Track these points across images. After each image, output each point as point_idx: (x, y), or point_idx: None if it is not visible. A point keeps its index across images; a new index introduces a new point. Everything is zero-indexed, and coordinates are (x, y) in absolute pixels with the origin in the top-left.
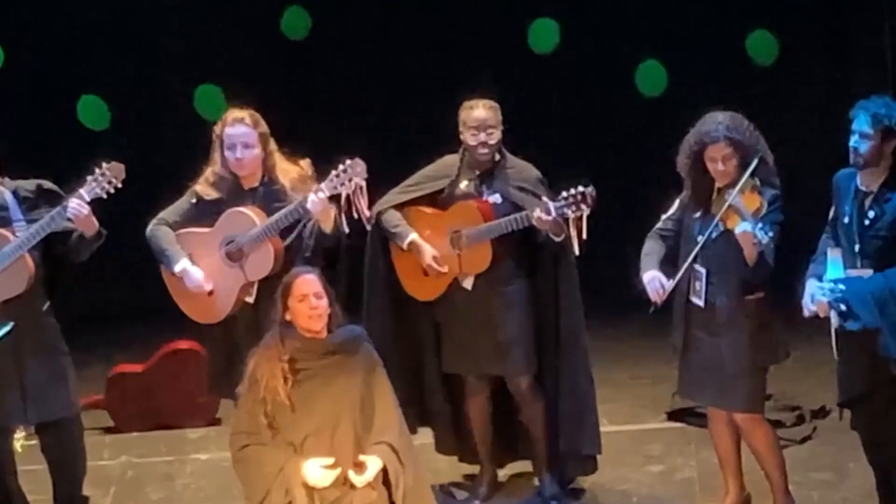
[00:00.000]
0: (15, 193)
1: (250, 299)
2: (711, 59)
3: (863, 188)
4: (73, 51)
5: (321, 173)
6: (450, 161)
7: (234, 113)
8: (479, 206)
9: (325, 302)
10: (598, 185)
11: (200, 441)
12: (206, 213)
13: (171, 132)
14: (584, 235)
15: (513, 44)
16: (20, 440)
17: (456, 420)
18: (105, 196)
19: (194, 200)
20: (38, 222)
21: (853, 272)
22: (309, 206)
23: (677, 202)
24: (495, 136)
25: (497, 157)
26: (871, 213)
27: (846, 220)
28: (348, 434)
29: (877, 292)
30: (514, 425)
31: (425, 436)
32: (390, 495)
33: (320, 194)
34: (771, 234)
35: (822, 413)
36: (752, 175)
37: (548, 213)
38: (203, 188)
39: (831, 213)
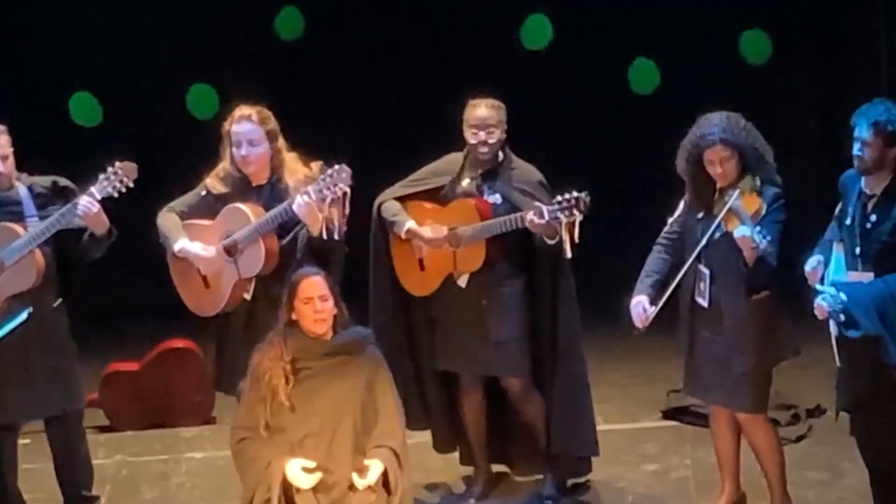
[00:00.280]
0: (30, 189)
1: (247, 296)
2: (705, 57)
3: (867, 191)
4: (65, 50)
5: None
6: (454, 158)
7: (243, 109)
8: (477, 204)
9: (329, 304)
10: (590, 184)
11: (195, 440)
12: (213, 206)
13: (165, 132)
14: (577, 240)
15: (505, 41)
16: None
17: (454, 419)
18: (116, 195)
19: (204, 193)
20: (48, 219)
21: (854, 275)
22: (294, 207)
23: (682, 204)
24: (496, 135)
25: (501, 157)
26: (874, 217)
27: (848, 221)
28: (347, 436)
29: (877, 299)
30: (509, 426)
31: (422, 434)
32: (389, 498)
33: (305, 197)
34: (769, 237)
35: (817, 412)
36: (753, 175)
37: (540, 216)
38: (212, 182)
39: (838, 209)
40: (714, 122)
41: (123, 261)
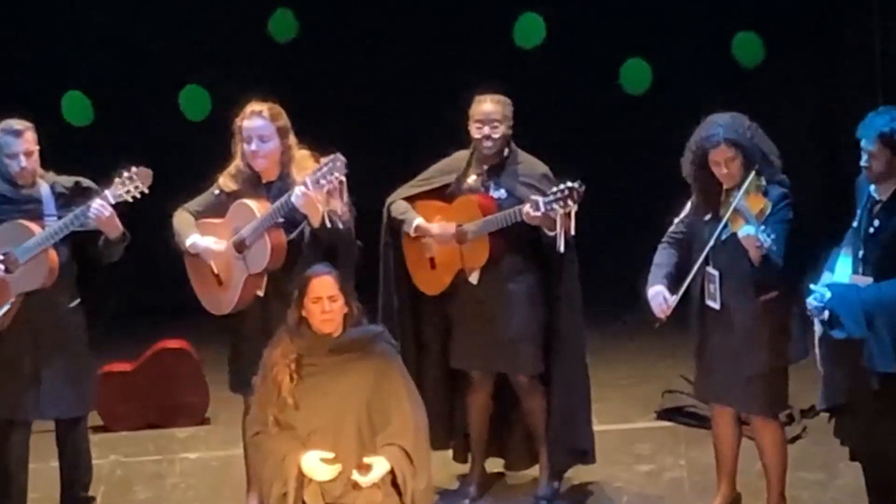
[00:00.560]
0: (52, 188)
1: (260, 293)
2: (697, 58)
3: (875, 196)
4: (58, 48)
5: None
6: (461, 156)
7: (253, 105)
8: (480, 200)
9: (339, 304)
10: (587, 183)
11: (189, 440)
12: (226, 204)
13: (157, 132)
14: (573, 232)
15: (498, 39)
16: None
17: (450, 416)
18: (131, 200)
19: (217, 192)
20: (62, 219)
21: (856, 278)
22: (293, 200)
23: (689, 205)
24: (500, 130)
25: (506, 152)
26: (877, 222)
27: (855, 224)
28: (352, 434)
29: (868, 303)
30: (506, 418)
31: None
32: (401, 499)
33: (302, 188)
34: (774, 235)
35: (812, 413)
36: (757, 175)
37: (536, 208)
38: (225, 180)
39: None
40: (718, 123)
41: (118, 262)
